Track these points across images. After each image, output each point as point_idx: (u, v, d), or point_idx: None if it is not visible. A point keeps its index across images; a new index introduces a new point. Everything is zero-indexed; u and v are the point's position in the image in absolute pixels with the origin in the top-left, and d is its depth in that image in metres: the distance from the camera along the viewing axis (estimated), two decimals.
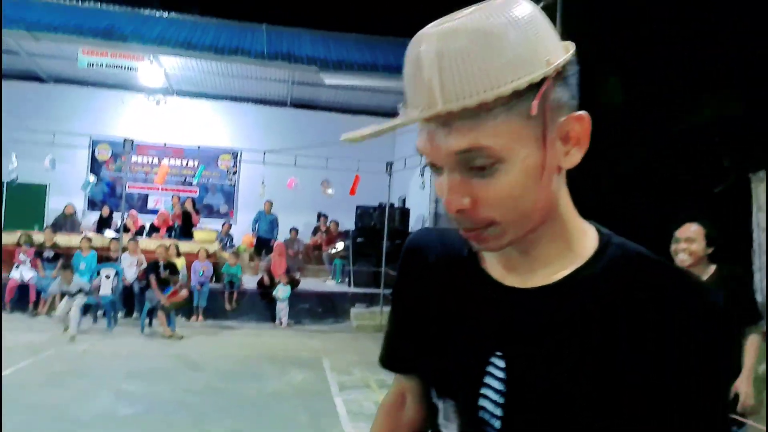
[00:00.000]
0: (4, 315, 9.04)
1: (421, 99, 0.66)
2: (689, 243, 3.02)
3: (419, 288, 0.88)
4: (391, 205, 11.63)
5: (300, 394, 5.60)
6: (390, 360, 0.95)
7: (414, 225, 12.09)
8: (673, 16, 6.72)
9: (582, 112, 0.70)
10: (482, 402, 0.76)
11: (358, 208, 12.25)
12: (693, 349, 0.66)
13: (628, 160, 6.75)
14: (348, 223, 12.95)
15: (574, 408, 0.70)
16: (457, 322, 0.81)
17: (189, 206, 12.19)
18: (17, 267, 9.55)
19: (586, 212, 0.83)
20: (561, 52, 0.68)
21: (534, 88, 0.64)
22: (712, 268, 3.04)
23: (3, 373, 5.69)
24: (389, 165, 11.17)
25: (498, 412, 0.74)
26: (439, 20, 0.67)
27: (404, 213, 12.24)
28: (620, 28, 7.38)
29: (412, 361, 0.89)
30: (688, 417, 0.67)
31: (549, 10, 7.38)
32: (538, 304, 0.74)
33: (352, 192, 10.88)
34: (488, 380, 0.76)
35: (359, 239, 11.63)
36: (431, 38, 0.65)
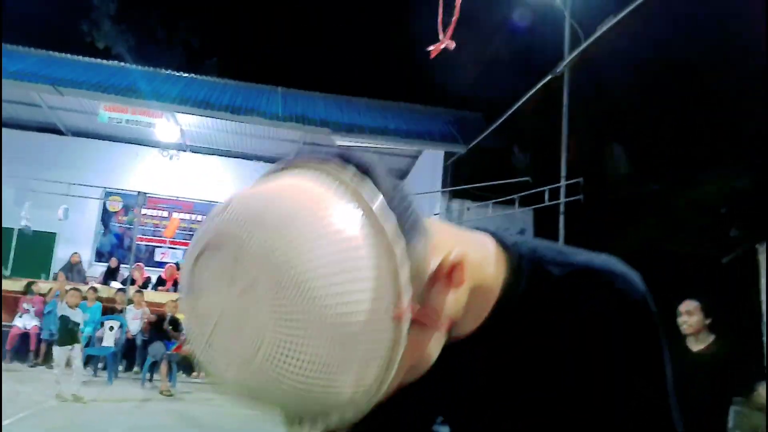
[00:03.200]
0: (5, 364, 8.96)
1: None
2: (689, 316, 3.60)
3: None
4: None
5: None
6: None
7: None
8: (680, 89, 6.97)
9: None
10: None
11: None
12: (617, 352, 0.63)
13: (637, 232, 6.84)
14: None
15: None
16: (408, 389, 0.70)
17: None
18: (20, 315, 9.52)
19: None
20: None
21: None
22: (711, 337, 3.58)
23: (3, 424, 5.61)
24: None
25: None
26: None
27: None
28: (627, 101, 7.63)
29: None
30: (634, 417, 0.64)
31: (557, 82, 7.63)
32: (467, 352, 0.66)
33: None
34: None
35: None
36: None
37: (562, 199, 7.34)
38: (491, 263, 0.66)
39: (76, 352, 7.13)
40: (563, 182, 7.43)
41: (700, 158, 6.68)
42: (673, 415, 0.66)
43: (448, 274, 0.57)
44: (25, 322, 9.43)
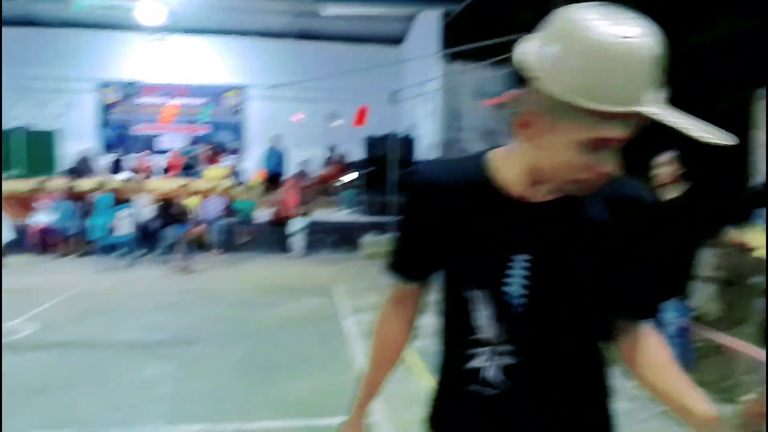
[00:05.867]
0: (30, 258, 9.48)
1: (649, 93, 0.86)
2: (664, 167, 3.81)
3: (434, 212, 1.10)
4: (399, 134, 11.66)
5: (312, 319, 5.94)
6: (401, 268, 1.21)
7: (423, 153, 12.15)
8: None
9: None
10: (508, 288, 1.05)
11: (366, 138, 12.30)
12: (643, 226, 1.07)
13: None
14: (357, 154, 13.05)
15: (579, 278, 1.05)
16: (482, 231, 1.06)
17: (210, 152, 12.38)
18: (35, 213, 9.88)
19: None
20: None
21: None
22: (685, 186, 3.80)
23: (36, 310, 6.10)
24: (396, 94, 11.12)
25: (525, 291, 1.05)
26: (642, 24, 0.86)
27: (412, 141, 12.27)
28: None
29: (418, 271, 1.20)
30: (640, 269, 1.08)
31: None
32: (551, 212, 1.03)
33: (359, 123, 10.89)
34: (514, 272, 1.05)
35: (368, 169, 11.75)
36: (657, 54, 0.86)
37: None
38: None
39: None
40: None
41: (700, 8, 6.36)
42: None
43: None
44: (39, 218, 9.80)
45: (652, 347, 1.08)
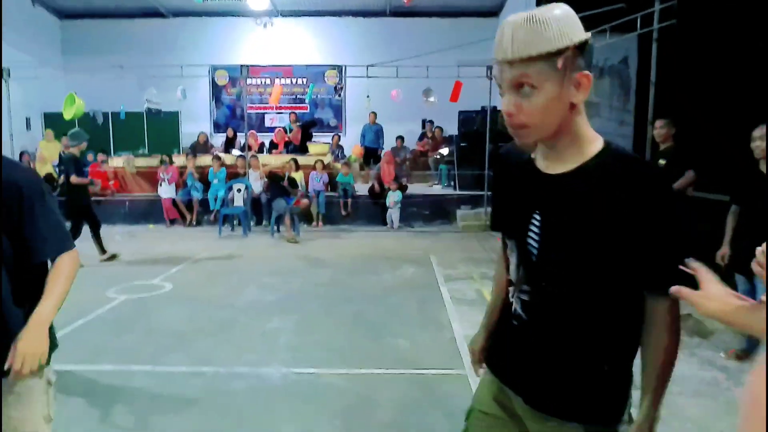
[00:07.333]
0: (159, 227, 10.64)
1: (502, 52, 1.21)
2: (761, 141, 3.81)
3: (503, 179, 1.47)
4: (493, 108, 11.75)
5: (411, 286, 6.39)
6: (493, 223, 1.56)
7: None
8: None
9: (587, 72, 1.19)
10: (528, 240, 1.33)
11: (460, 113, 12.48)
12: (647, 205, 1.18)
13: (732, 55, 6.48)
14: (452, 129, 13.27)
15: (577, 240, 1.24)
16: (516, 194, 1.38)
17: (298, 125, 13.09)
18: (160, 185, 11.00)
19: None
20: (582, 37, 1.18)
21: (563, 53, 1.16)
22: None
23: (170, 272, 7.00)
24: (489, 69, 11.20)
25: (536, 245, 1.31)
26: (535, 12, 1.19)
27: None
28: None
29: (501, 224, 1.49)
30: (653, 248, 1.20)
31: None
32: (559, 182, 1.28)
33: (453, 98, 11.11)
34: (531, 227, 1.32)
35: (463, 144, 11.97)
36: (510, 23, 1.19)
37: (655, 26, 7.03)
38: (595, 142, 1.27)
39: None
40: (657, 6, 7.05)
41: None
42: (680, 255, 1.18)
43: (580, 81, 1.20)
44: (163, 191, 10.91)
45: (657, 326, 1.25)
